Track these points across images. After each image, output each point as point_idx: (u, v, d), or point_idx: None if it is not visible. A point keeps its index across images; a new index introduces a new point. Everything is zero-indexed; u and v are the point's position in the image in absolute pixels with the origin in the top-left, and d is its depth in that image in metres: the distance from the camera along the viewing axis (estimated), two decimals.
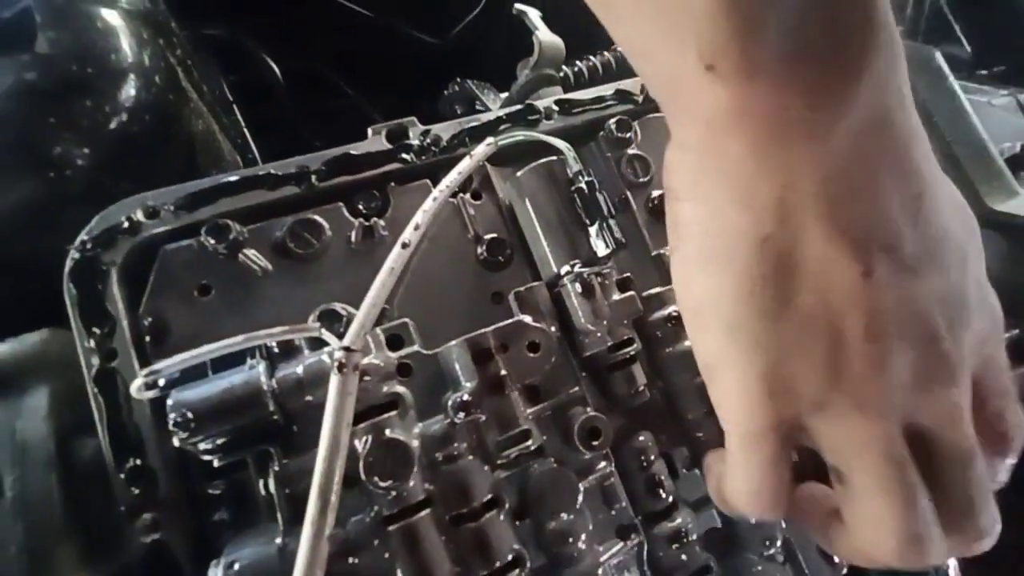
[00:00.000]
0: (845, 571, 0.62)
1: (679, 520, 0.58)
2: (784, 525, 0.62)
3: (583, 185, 0.60)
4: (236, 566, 0.43)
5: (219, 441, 0.47)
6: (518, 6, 0.88)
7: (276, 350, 0.51)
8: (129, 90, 0.73)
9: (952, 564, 0.67)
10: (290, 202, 0.62)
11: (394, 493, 0.47)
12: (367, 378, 0.50)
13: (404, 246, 0.53)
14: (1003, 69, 0.98)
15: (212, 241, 0.56)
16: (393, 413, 0.50)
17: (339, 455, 0.43)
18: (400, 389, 0.52)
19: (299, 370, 0.49)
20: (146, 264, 0.57)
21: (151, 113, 0.75)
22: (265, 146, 1.29)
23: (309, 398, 0.48)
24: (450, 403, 0.51)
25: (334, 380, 0.44)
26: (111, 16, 0.75)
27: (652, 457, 0.60)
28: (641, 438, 0.60)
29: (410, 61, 1.37)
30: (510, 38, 0.94)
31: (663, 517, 0.58)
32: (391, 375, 0.52)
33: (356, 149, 0.65)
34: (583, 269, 0.57)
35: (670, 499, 0.59)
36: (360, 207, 0.64)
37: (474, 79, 1.08)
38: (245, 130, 1.22)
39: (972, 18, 0.98)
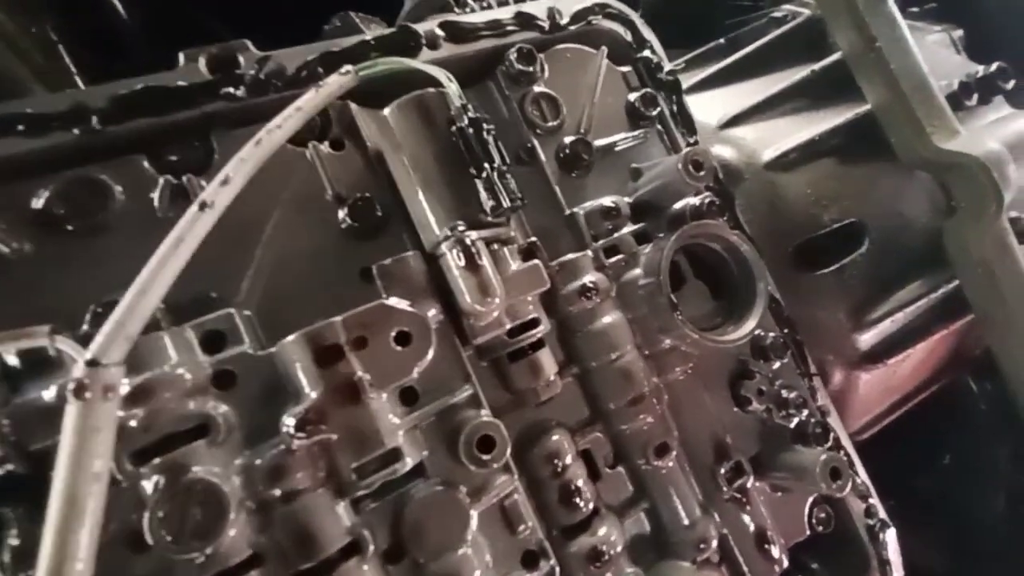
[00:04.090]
0: (785, 565, 0.55)
1: (601, 532, 0.48)
2: (718, 519, 0.53)
3: (465, 123, 0.46)
4: None
5: None
6: None
7: (14, 364, 0.35)
8: None
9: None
10: (64, 154, 0.45)
11: (203, 556, 0.34)
12: (159, 398, 0.35)
13: (203, 207, 0.37)
14: (934, 6, 0.92)
15: None
16: (200, 442, 0.36)
17: (82, 519, 0.28)
18: (214, 408, 0.37)
19: (45, 395, 0.33)
20: None
21: None
22: None
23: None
24: (285, 421, 0.37)
25: (70, 411, 0.29)
26: None
27: (567, 460, 0.49)
28: (554, 438, 0.49)
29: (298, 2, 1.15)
30: None
31: (581, 530, 0.48)
32: (202, 388, 0.38)
33: (163, 80, 0.48)
34: (467, 232, 0.44)
35: (589, 507, 0.49)
36: (171, 159, 0.47)
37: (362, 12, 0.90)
38: (77, 77, 0.98)
39: None
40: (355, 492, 0.38)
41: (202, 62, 0.49)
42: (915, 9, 0.90)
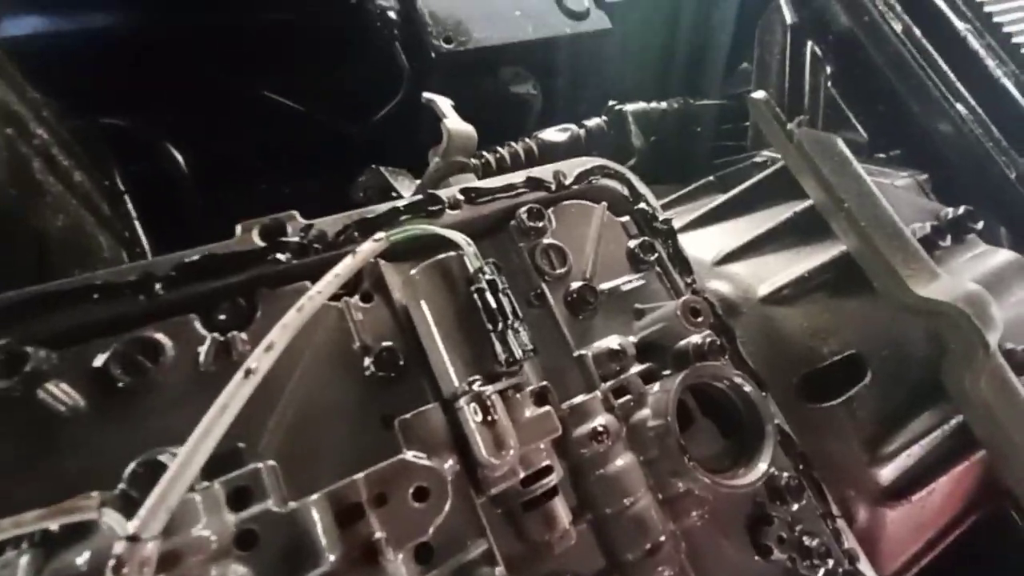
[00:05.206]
0: None
1: None
2: None
3: (484, 284, 0.51)
4: None
5: None
6: (426, 95, 0.85)
7: (54, 530, 0.37)
8: None
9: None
10: (129, 317, 0.50)
11: None
12: (185, 564, 0.37)
13: (248, 374, 0.41)
14: (898, 153, 1.03)
15: None
16: None
17: None
18: (234, 572, 0.38)
19: (80, 561, 0.35)
20: None
21: None
22: (164, 240, 1.17)
23: None
24: None
25: None
26: None
27: None
28: None
29: (330, 150, 1.32)
30: (431, 126, 0.92)
31: None
32: (225, 551, 0.39)
33: (220, 249, 0.55)
34: (483, 387, 0.47)
35: None
36: (220, 318, 0.53)
37: (391, 167, 1.03)
38: (136, 222, 1.10)
39: (864, 108, 1.05)
40: None
41: (255, 232, 0.57)
42: (882, 155, 1.01)
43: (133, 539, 0.32)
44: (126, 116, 1.26)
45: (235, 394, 0.40)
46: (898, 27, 0.96)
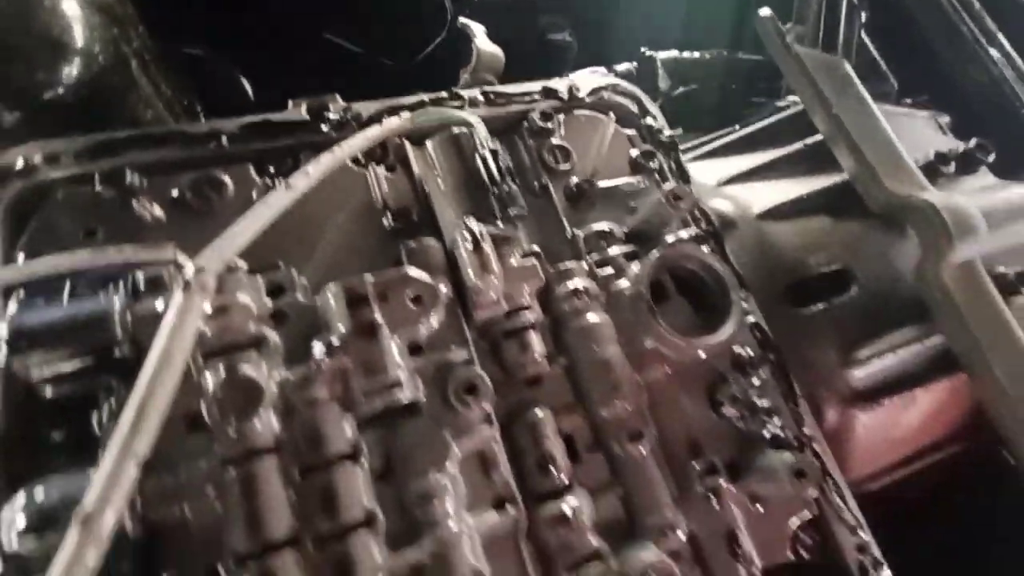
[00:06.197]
0: (757, 570, 0.56)
1: (571, 502, 0.53)
2: (688, 513, 0.56)
3: (487, 152, 0.60)
4: (38, 491, 0.38)
5: (58, 367, 0.44)
6: (462, 19, 0.93)
7: (143, 287, 0.49)
8: (68, 65, 0.76)
9: None
10: (200, 160, 0.63)
11: (238, 434, 0.44)
12: (233, 316, 0.48)
13: (288, 187, 0.52)
14: (925, 99, 1.02)
15: (104, 186, 0.56)
16: (252, 352, 0.47)
17: (169, 375, 0.40)
18: (268, 332, 0.49)
19: (159, 304, 0.47)
20: (38, 207, 0.57)
21: (89, 89, 0.78)
22: None
23: None
24: (316, 345, 0.48)
25: (177, 297, 0.42)
26: None
27: (548, 434, 0.56)
28: (537, 412, 0.57)
29: (378, 87, 1.44)
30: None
31: (553, 498, 0.53)
32: (263, 318, 0.50)
33: (275, 117, 0.66)
34: (477, 225, 0.56)
35: (564, 479, 0.54)
36: (270, 169, 0.64)
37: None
38: None
39: (896, 56, 1.04)
40: (360, 409, 0.48)
41: (303, 108, 0.68)
42: (908, 101, 1.01)
43: (199, 270, 0.43)
44: (200, 47, 1.43)
45: (278, 198, 0.50)
46: None
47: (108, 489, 0.36)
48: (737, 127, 1.19)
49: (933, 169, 0.76)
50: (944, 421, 0.80)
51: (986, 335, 0.63)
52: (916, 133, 0.83)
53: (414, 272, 0.54)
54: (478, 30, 0.92)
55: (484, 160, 0.60)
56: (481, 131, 0.63)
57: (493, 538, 0.49)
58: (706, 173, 0.92)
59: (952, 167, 0.76)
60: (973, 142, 0.79)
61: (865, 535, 0.63)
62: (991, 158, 0.78)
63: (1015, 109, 0.86)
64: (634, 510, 0.56)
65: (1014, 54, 0.90)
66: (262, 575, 0.41)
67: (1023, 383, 0.58)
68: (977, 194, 0.75)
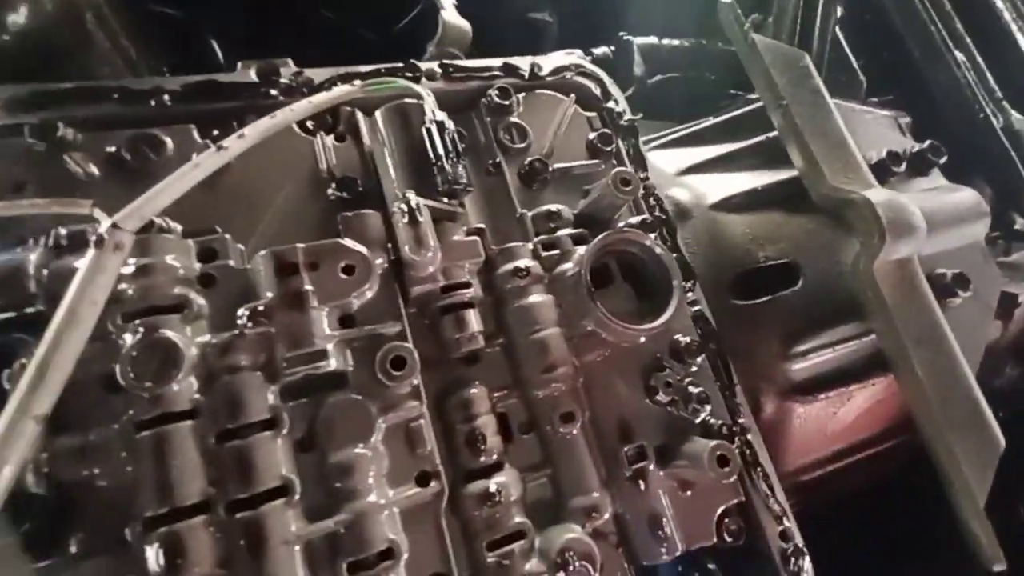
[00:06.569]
0: (677, 554, 0.57)
1: (499, 480, 0.54)
2: (615, 495, 0.57)
3: (432, 126, 0.59)
4: None
5: None
6: None
7: (64, 243, 0.48)
8: (12, 13, 0.73)
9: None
10: (141, 118, 0.61)
11: (153, 397, 0.43)
12: (156, 277, 0.47)
13: (220, 148, 0.51)
14: (890, 98, 1.03)
15: (35, 139, 0.54)
16: (174, 316, 0.46)
17: (77, 333, 0.39)
18: (193, 295, 0.48)
19: (76, 262, 0.46)
20: None
21: (35, 39, 0.75)
22: None
23: None
24: (239, 311, 0.48)
25: (89, 254, 0.41)
26: None
27: (480, 412, 0.56)
28: (471, 390, 0.57)
29: (353, 58, 1.41)
30: None
31: (481, 476, 0.54)
32: (189, 281, 0.49)
33: (222, 78, 0.65)
34: (416, 198, 0.55)
35: (493, 457, 0.55)
36: (213, 132, 0.62)
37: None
38: None
39: (868, 53, 1.04)
40: (283, 378, 0.47)
41: (253, 70, 0.66)
42: (875, 100, 1.02)
43: (114, 226, 0.42)
44: (172, 6, 1.38)
45: (208, 160, 0.49)
46: None
47: (4, 447, 0.35)
48: (710, 118, 1.20)
49: (884, 168, 0.76)
50: (881, 417, 0.82)
51: (912, 335, 0.64)
52: (873, 131, 0.84)
53: (347, 243, 0.53)
54: (447, 2, 0.91)
55: (429, 133, 0.59)
56: (429, 103, 0.62)
57: (414, 512, 0.49)
58: (669, 161, 0.92)
59: (904, 167, 0.77)
60: (927, 143, 0.80)
61: (789, 523, 0.65)
62: (943, 160, 0.79)
63: (973, 113, 0.87)
64: (562, 491, 0.57)
65: (979, 58, 0.91)
66: (169, 539, 0.41)
67: (944, 385, 0.59)
68: (923, 195, 0.75)
